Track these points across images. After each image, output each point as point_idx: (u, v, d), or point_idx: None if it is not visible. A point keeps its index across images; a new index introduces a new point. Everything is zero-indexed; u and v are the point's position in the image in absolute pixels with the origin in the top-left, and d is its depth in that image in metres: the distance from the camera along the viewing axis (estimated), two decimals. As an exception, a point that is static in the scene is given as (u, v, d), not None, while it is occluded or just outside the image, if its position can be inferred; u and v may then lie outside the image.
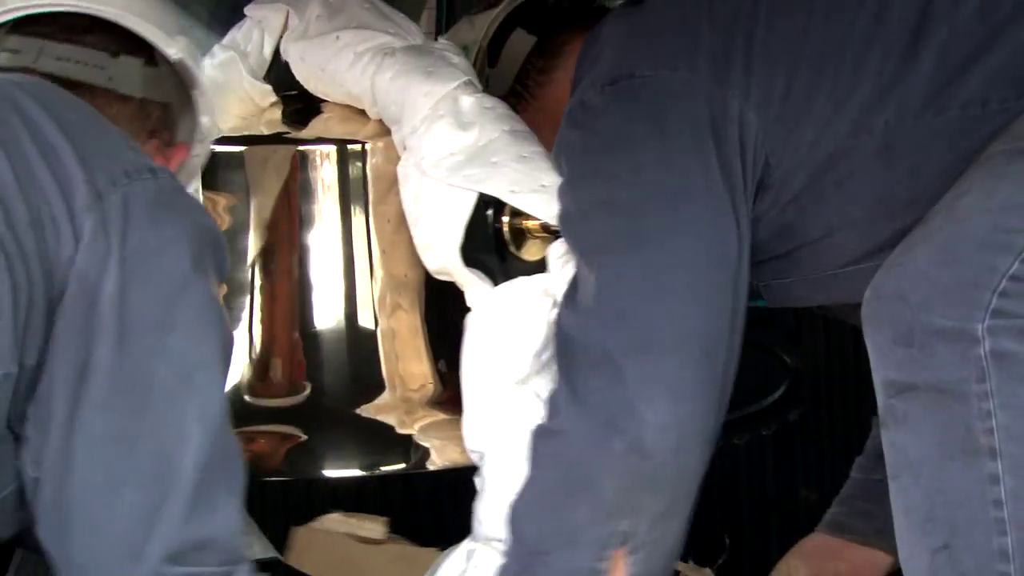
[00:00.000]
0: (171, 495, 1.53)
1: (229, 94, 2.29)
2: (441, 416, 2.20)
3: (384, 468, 2.24)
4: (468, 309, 2.23)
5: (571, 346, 1.87)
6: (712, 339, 1.82)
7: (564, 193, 1.97)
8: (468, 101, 2.10)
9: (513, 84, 2.24)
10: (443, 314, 2.27)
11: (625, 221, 1.88)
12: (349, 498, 2.62)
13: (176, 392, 1.56)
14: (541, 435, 1.89)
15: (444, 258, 2.06)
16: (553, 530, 1.85)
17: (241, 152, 2.23)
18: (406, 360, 2.22)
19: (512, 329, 2.02)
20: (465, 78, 2.12)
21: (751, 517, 2.81)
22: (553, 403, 1.88)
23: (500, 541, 1.99)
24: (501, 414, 2.01)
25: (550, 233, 2.05)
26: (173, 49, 1.85)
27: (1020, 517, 1.58)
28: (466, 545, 2.04)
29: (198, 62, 1.94)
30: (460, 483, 2.72)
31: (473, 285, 2.05)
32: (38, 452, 1.53)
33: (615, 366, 1.79)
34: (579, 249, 1.93)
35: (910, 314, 1.61)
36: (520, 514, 1.90)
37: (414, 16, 2.33)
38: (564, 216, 1.97)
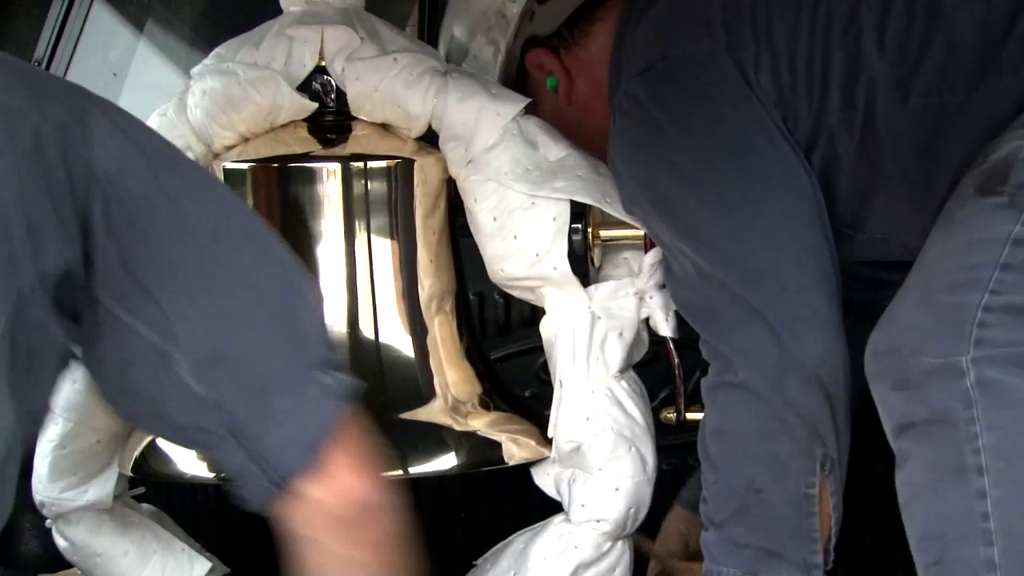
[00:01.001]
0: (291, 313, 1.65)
1: (244, 111, 2.32)
2: (488, 414, 2.32)
3: (466, 466, 2.30)
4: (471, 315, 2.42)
5: (712, 311, 2.05)
6: (825, 269, 2.02)
7: (634, 183, 2.13)
8: (525, 122, 2.29)
9: (560, 27, 2.39)
10: (467, 320, 2.42)
11: (707, 191, 2.05)
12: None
13: (233, 231, 1.65)
14: (721, 388, 2.05)
15: (542, 265, 2.20)
16: (760, 471, 2.01)
17: (302, 168, 2.29)
18: (451, 364, 2.32)
19: (611, 327, 2.21)
20: (525, 101, 2.29)
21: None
22: (720, 358, 2.04)
23: (603, 521, 2.17)
24: (603, 405, 2.19)
25: (609, 241, 2.26)
26: None
27: (1006, 526, 1.67)
28: (556, 529, 2.20)
29: None
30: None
31: (571, 288, 2.21)
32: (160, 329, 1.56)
33: (762, 316, 1.98)
34: (673, 231, 2.08)
35: (903, 361, 1.74)
36: (721, 465, 2.06)
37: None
38: (637, 203, 2.14)
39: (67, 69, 3.19)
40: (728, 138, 2.05)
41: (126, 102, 3.12)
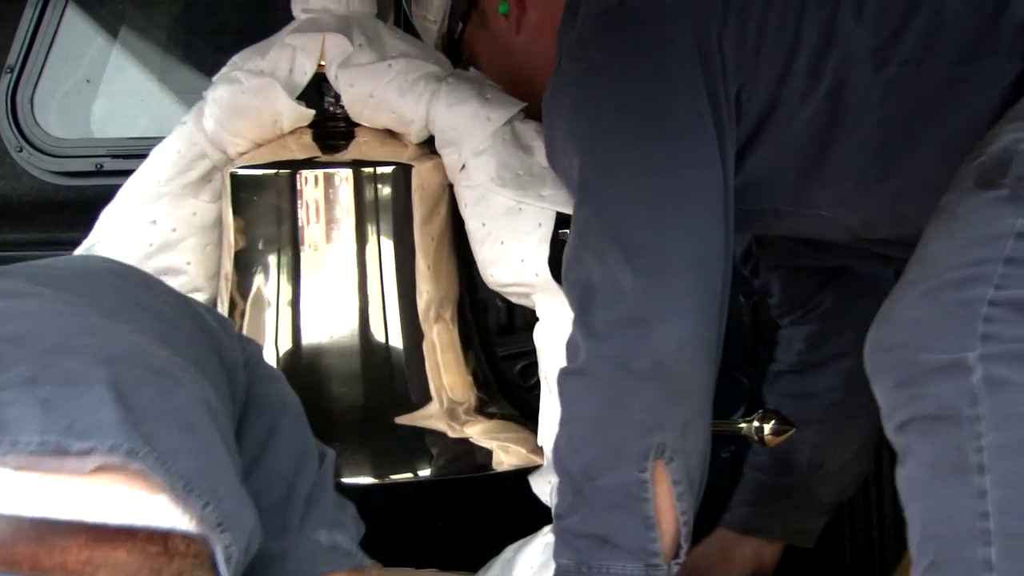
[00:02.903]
0: None
1: (250, 118, 2.33)
2: (486, 421, 2.32)
3: (452, 472, 2.32)
4: (485, 321, 2.41)
5: (584, 289, 1.98)
6: (708, 256, 1.95)
7: (561, 125, 2.07)
8: (522, 127, 2.28)
9: None
10: (473, 326, 2.41)
11: (618, 149, 1.99)
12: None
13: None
14: (567, 377, 2.00)
15: (526, 271, 2.19)
16: (595, 458, 1.96)
17: (292, 174, 2.30)
18: (449, 371, 2.32)
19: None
20: (520, 105, 2.29)
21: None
22: (572, 346, 1.99)
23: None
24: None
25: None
26: None
27: (1005, 527, 1.63)
28: (544, 539, 2.16)
29: None
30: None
31: (554, 295, 2.18)
32: None
33: (624, 296, 1.92)
34: (579, 182, 2.02)
35: (908, 357, 1.71)
36: (562, 453, 2.01)
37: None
38: (563, 150, 2.08)
39: (40, 75, 3.20)
40: (654, 103, 2.00)
41: (100, 109, 3.13)
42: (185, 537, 1.29)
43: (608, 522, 1.96)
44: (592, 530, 1.98)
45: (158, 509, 1.28)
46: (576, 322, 2.00)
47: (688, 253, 1.94)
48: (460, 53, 2.45)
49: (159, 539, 1.28)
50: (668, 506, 1.95)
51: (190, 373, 1.47)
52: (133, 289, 1.64)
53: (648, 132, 1.98)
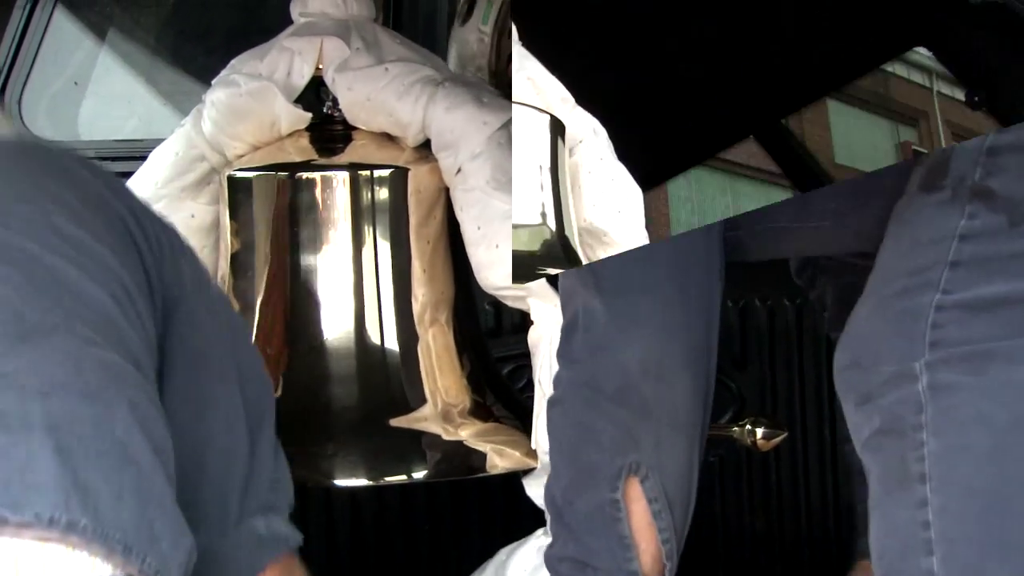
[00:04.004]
0: None
1: (248, 122, 2.35)
2: (481, 424, 2.32)
3: (447, 474, 2.32)
4: (478, 324, 2.42)
5: (570, 321, 2.01)
6: (683, 276, 1.96)
7: None
8: (519, 130, 2.30)
9: None
10: (468, 329, 2.42)
11: None
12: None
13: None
14: (549, 407, 2.03)
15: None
16: (571, 481, 1.98)
17: (289, 177, 2.30)
18: (444, 373, 2.33)
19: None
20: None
21: (698, 543, 2.82)
22: (555, 378, 2.03)
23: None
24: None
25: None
26: None
27: (945, 534, 1.60)
28: (536, 542, 2.17)
29: None
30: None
31: (548, 300, 2.18)
32: None
33: (595, 320, 1.95)
34: None
35: (864, 375, 1.71)
36: (549, 483, 2.05)
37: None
38: None
39: (28, 78, 3.19)
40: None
41: (88, 111, 3.13)
42: None
43: (585, 544, 1.98)
44: (572, 554, 1.99)
45: (97, 566, 1.21)
46: (558, 354, 2.03)
47: (657, 275, 1.96)
48: None
49: None
50: (645, 525, 1.96)
51: (121, 367, 1.35)
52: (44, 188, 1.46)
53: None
